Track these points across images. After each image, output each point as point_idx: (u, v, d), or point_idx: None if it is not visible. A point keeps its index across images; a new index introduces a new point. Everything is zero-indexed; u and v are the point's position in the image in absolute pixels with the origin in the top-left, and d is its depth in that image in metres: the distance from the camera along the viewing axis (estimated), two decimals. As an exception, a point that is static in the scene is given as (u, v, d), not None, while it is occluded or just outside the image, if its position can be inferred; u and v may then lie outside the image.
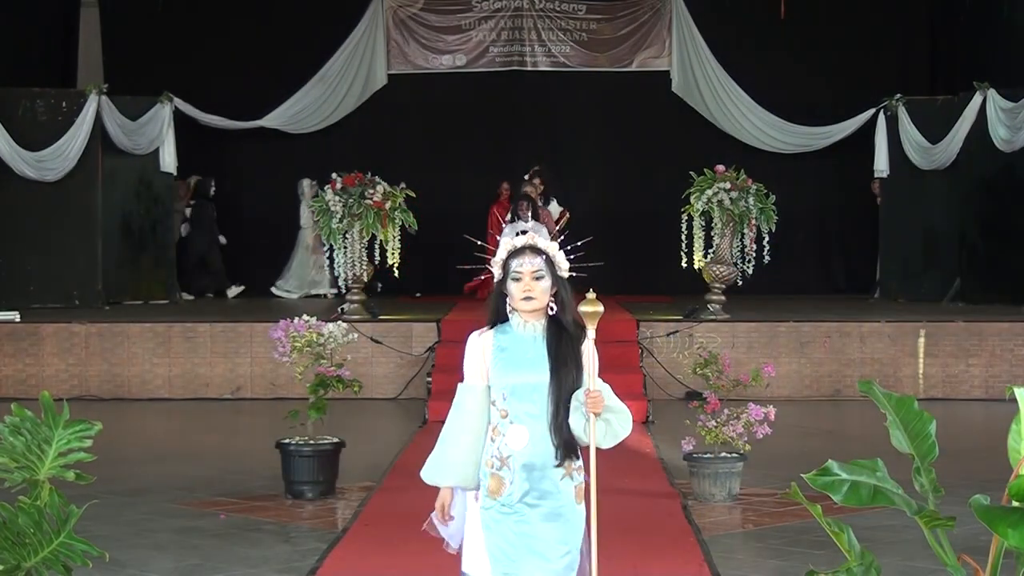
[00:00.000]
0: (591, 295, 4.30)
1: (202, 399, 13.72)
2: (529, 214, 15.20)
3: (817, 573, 3.55)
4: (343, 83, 18.72)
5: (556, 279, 4.34)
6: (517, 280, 4.32)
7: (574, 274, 4.36)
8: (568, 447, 4.27)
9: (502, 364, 4.32)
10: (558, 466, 4.26)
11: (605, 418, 4.24)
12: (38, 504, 4.34)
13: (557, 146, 18.93)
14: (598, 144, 19.14)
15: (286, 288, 18.27)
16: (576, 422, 4.24)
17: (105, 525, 7.59)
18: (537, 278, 4.32)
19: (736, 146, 18.01)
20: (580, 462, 4.32)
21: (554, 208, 16.81)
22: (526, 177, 16.84)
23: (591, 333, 4.28)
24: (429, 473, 4.39)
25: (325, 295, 17.90)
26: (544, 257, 4.35)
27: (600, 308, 4.28)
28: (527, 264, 4.33)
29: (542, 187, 16.62)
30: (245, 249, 18.85)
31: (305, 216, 18.05)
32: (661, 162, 18.36)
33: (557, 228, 16.35)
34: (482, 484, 4.29)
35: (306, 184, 18.22)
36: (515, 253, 4.36)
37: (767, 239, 14.06)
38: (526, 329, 4.35)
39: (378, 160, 15.91)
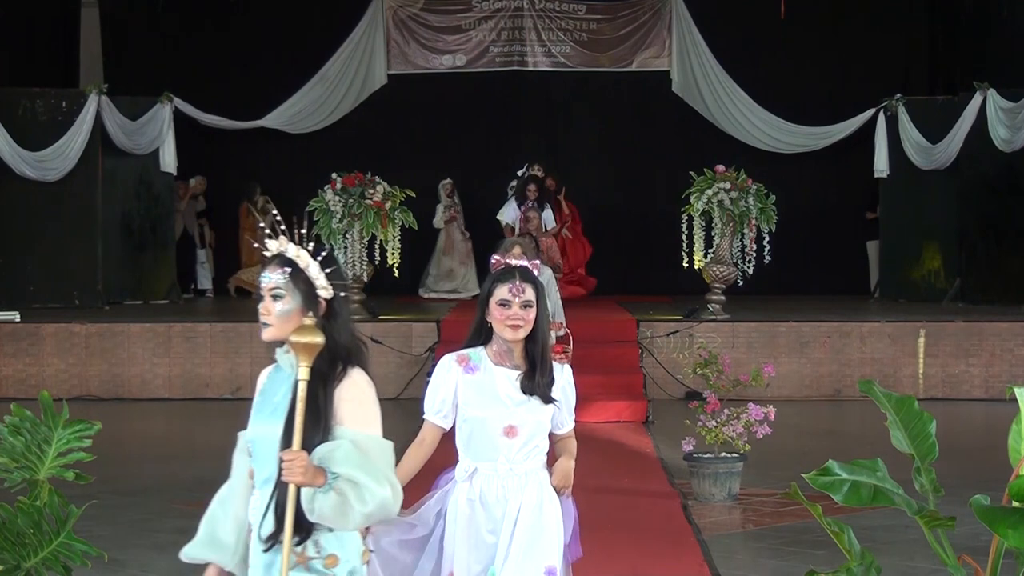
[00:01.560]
0: (308, 321, 3.32)
1: (202, 399, 13.72)
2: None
3: (817, 573, 3.56)
4: (343, 83, 18.71)
5: (308, 300, 3.38)
6: (261, 300, 3.42)
7: (336, 293, 3.42)
8: (297, 526, 3.27)
9: (254, 410, 3.52)
10: (266, 550, 3.31)
11: (340, 489, 3.20)
12: (38, 504, 4.35)
13: (557, 146, 18.92)
14: (598, 144, 19.13)
15: (434, 288, 17.74)
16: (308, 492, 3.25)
17: (105, 525, 7.59)
18: (274, 297, 3.38)
19: (736, 146, 17.99)
20: (330, 549, 3.35)
21: (548, 217, 16.32)
22: (520, 173, 16.64)
23: (303, 373, 3.24)
24: (192, 545, 3.61)
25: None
26: (289, 271, 3.38)
27: (318, 339, 3.26)
28: (266, 279, 3.41)
29: (536, 194, 16.23)
30: (240, 249, 18.85)
31: (436, 217, 17.66)
32: (661, 162, 18.35)
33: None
34: None
35: (441, 187, 17.83)
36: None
37: (767, 239, 14.07)
38: (285, 362, 3.46)
39: (378, 160, 15.90)
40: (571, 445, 4.42)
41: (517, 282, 4.18)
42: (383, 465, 3.28)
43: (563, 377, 4.33)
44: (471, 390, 4.24)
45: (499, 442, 4.18)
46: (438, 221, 17.68)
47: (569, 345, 10.02)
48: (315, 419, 3.26)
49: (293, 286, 3.35)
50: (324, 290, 3.37)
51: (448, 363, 4.32)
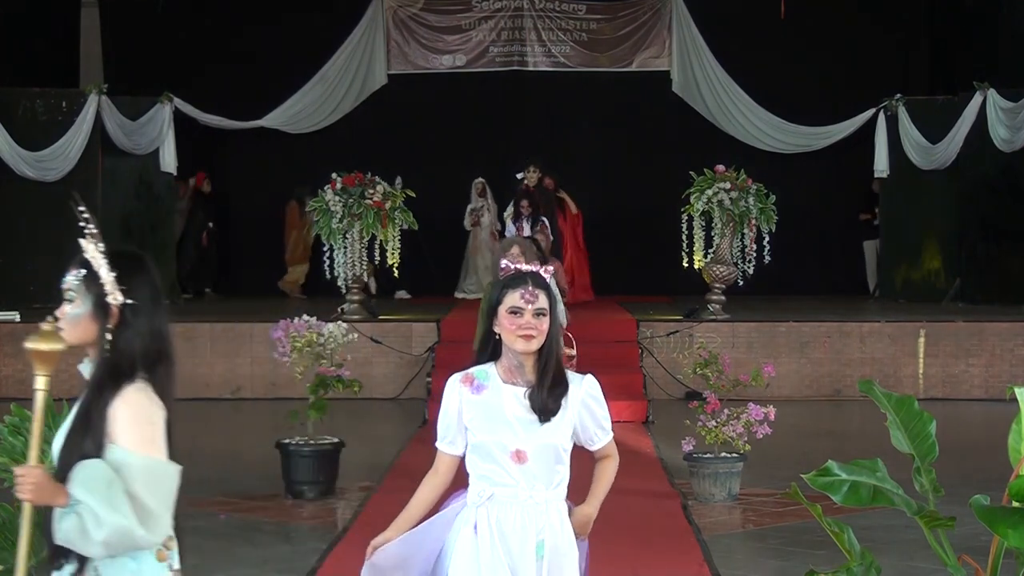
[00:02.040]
0: (47, 326, 3.09)
1: (202, 399, 13.70)
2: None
3: (817, 573, 3.55)
4: (343, 83, 18.71)
5: (99, 306, 3.11)
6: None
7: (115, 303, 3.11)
8: (56, 549, 2.99)
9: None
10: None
11: (79, 511, 2.93)
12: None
13: (557, 146, 18.89)
14: (598, 144, 19.12)
15: (468, 290, 17.61)
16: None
17: (105, 525, 7.58)
18: (68, 300, 3.15)
19: (736, 146, 17.99)
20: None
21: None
22: (519, 175, 16.53)
23: (40, 383, 3.07)
24: None
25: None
26: (84, 272, 3.14)
27: (57, 346, 3.07)
28: (64, 279, 3.17)
29: (530, 210, 15.89)
30: (241, 249, 18.86)
31: (466, 218, 17.75)
32: (661, 162, 18.34)
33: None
34: None
35: (473, 186, 17.83)
36: None
37: (767, 239, 14.08)
38: (85, 371, 3.29)
39: (378, 160, 15.90)
40: (606, 471, 4.09)
41: (530, 287, 3.80)
42: (140, 489, 3.01)
43: (582, 389, 3.92)
44: (477, 411, 3.88)
45: (510, 468, 3.83)
46: (466, 223, 17.75)
47: (573, 350, 9.98)
48: (84, 432, 3.03)
49: (85, 289, 3.09)
50: (112, 296, 3.09)
51: (452, 384, 3.95)
